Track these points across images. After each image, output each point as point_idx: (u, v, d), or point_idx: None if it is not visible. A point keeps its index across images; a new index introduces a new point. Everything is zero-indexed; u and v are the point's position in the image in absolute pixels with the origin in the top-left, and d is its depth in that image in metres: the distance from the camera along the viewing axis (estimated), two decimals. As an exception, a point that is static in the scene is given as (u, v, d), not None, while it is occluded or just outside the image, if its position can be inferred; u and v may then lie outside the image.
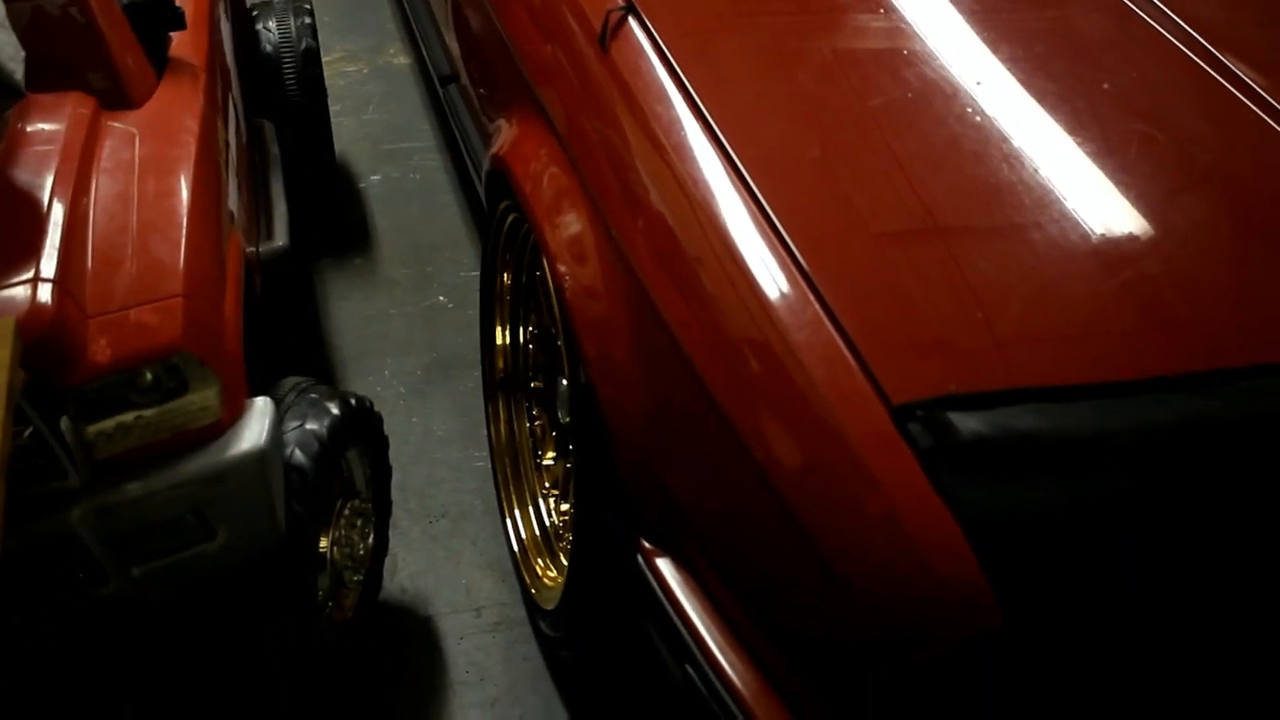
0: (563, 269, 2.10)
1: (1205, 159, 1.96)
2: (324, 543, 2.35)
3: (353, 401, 2.34)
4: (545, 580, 2.52)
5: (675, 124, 1.96)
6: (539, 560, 2.56)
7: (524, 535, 2.63)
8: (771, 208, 1.80)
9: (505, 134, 2.46)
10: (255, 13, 3.53)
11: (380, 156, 4.11)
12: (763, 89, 2.06)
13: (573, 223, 2.12)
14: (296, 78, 3.45)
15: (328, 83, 3.97)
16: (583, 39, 2.20)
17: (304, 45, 3.48)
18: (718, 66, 2.08)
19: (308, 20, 3.55)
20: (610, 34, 2.13)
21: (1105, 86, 2.06)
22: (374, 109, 4.36)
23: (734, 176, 1.85)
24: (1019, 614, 1.51)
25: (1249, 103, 2.04)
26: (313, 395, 2.30)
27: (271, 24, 3.49)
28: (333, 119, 3.81)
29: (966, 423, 1.55)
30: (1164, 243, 1.82)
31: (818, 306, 1.68)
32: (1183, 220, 1.87)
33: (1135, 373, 1.64)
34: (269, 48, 3.45)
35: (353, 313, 3.46)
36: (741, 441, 1.70)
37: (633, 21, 2.14)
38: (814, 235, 1.78)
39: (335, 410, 2.28)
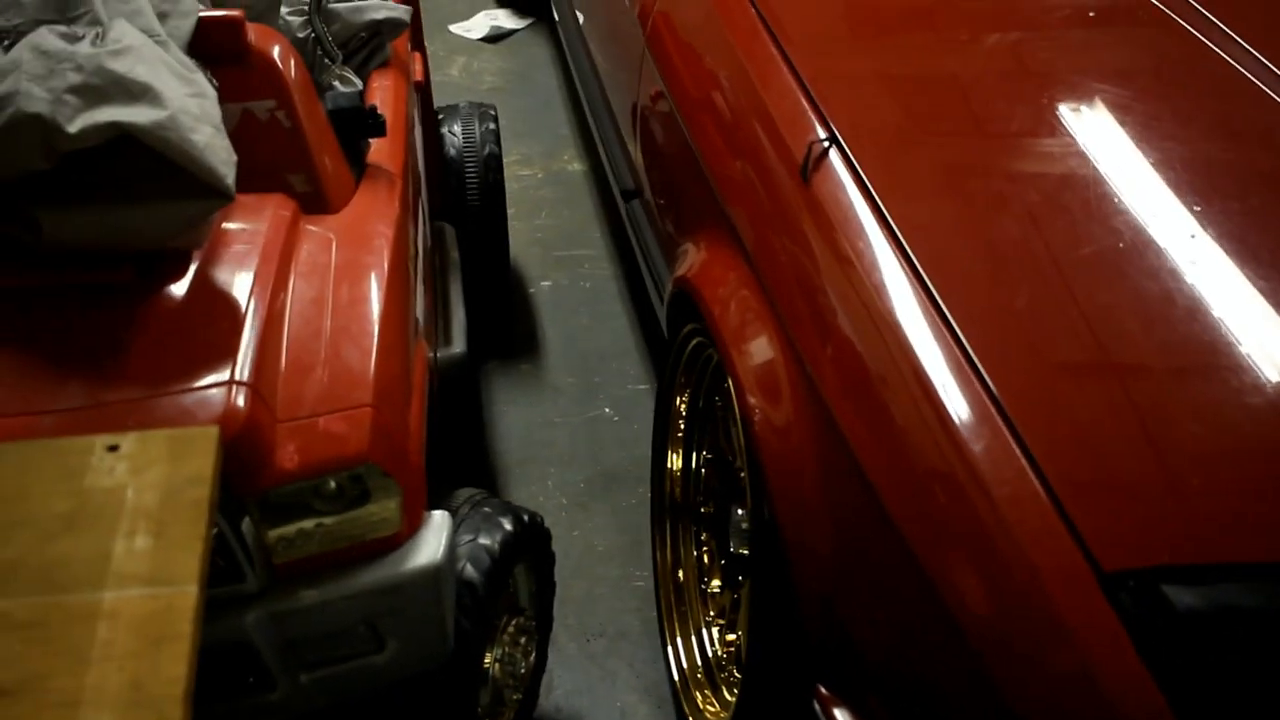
0: (752, 401, 2.06)
1: None
2: (488, 659, 2.32)
3: (525, 517, 2.32)
4: (706, 713, 2.46)
5: (877, 261, 1.92)
6: (700, 692, 2.51)
7: (685, 664, 2.57)
8: (976, 354, 1.74)
9: (693, 256, 2.44)
10: (441, 116, 3.57)
11: (551, 263, 4.12)
12: (968, 230, 2.01)
13: (762, 351, 2.09)
14: (478, 183, 3.48)
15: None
16: (782, 168, 2.17)
17: (487, 151, 3.51)
18: (922, 204, 2.04)
19: (492, 126, 3.59)
20: (812, 166, 2.11)
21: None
22: (546, 214, 4.38)
23: (937, 319, 1.80)
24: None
25: None
26: (486, 509, 2.29)
27: (457, 128, 3.53)
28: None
29: (1181, 597, 1.48)
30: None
31: (1017, 449, 1.63)
32: None
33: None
34: (453, 152, 3.48)
35: (517, 419, 3.45)
36: (930, 586, 1.65)
37: (835, 154, 2.12)
38: (1017, 381, 1.73)
39: (508, 526, 2.26)
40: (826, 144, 2.13)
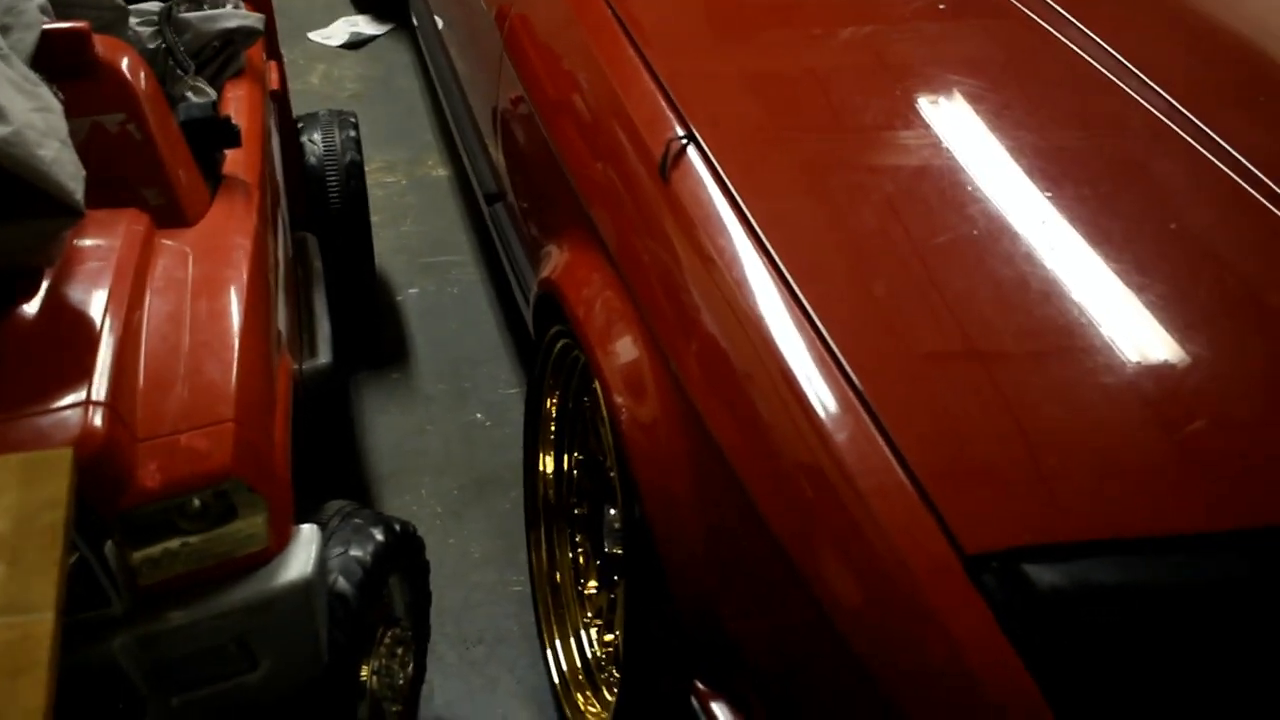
0: (618, 400, 2.06)
1: (1276, 305, 1.93)
2: (365, 672, 2.29)
3: (397, 527, 2.30)
4: (588, 714, 2.46)
5: (738, 257, 1.93)
6: (580, 694, 2.51)
7: (565, 666, 2.57)
8: (838, 346, 1.76)
9: (556, 258, 2.43)
10: (300, 125, 3.53)
11: (418, 269, 4.10)
12: (826, 223, 2.03)
13: (628, 351, 2.09)
14: (340, 191, 3.44)
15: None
16: (641, 167, 2.18)
17: (348, 159, 3.48)
18: (780, 199, 2.06)
19: (352, 133, 3.56)
20: (671, 164, 2.11)
21: (1172, 227, 2.03)
22: (412, 221, 4.36)
23: (799, 313, 1.82)
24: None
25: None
26: (356, 520, 2.26)
27: (316, 137, 3.50)
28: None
29: (1042, 575, 1.51)
30: (1231, 393, 1.78)
31: (881, 440, 1.65)
32: (1251, 372, 1.82)
33: (1207, 526, 1.59)
34: (314, 160, 3.45)
35: (389, 428, 3.42)
36: (801, 579, 1.66)
37: (693, 151, 2.12)
38: (880, 371, 1.75)
39: (379, 536, 2.24)
40: (684, 141, 2.14)
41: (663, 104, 2.25)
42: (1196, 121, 2.20)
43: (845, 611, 1.61)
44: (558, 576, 2.66)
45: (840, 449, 1.66)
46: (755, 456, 1.78)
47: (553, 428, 2.63)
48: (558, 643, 2.60)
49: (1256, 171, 2.09)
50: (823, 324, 1.80)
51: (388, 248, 4.15)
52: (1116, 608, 1.52)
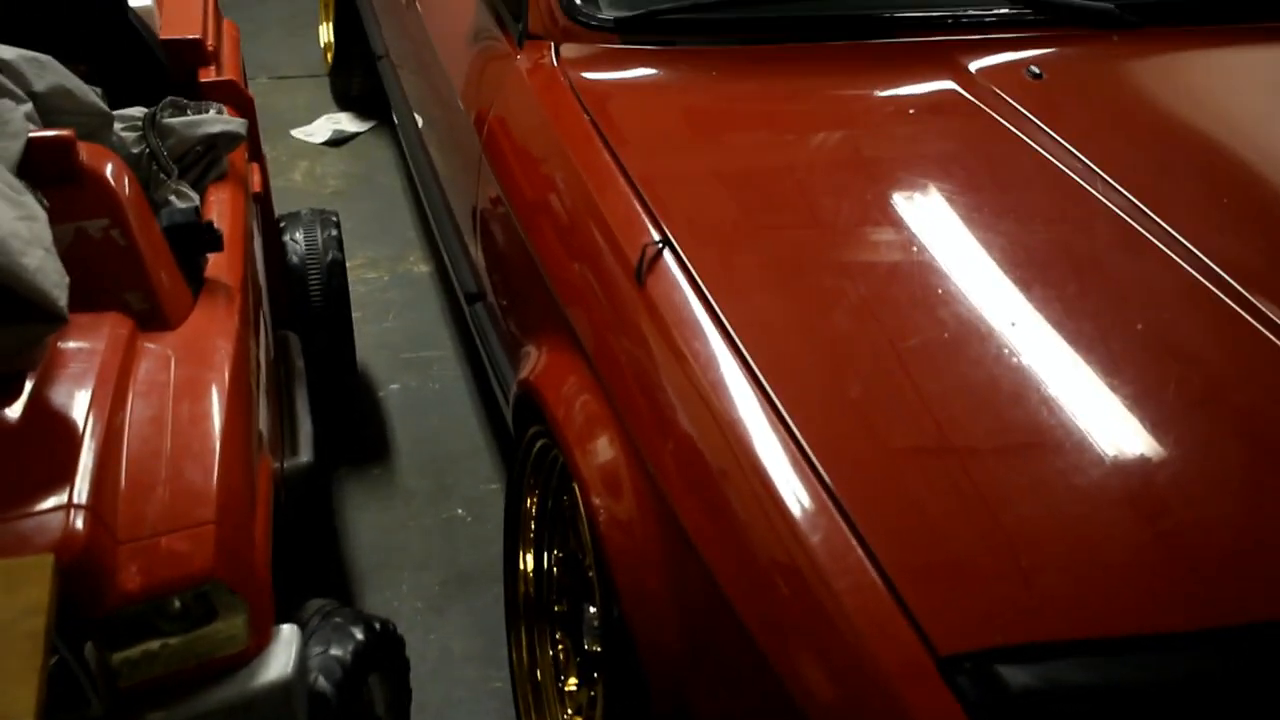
0: (596, 500, 2.08)
1: (1243, 403, 1.96)
2: (343, 771, 2.30)
3: (377, 626, 2.31)
4: (565, 813, 2.46)
5: (713, 359, 1.97)
6: (560, 791, 2.51)
7: (546, 763, 2.57)
8: (811, 446, 1.79)
9: (535, 359, 2.46)
10: (283, 224, 3.57)
11: (399, 365, 4.12)
12: (800, 324, 2.07)
13: (605, 451, 2.12)
14: (322, 289, 3.48)
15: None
16: (618, 270, 2.22)
17: (330, 257, 3.52)
18: (754, 299, 2.10)
19: (334, 232, 3.59)
20: (646, 267, 2.15)
21: (1139, 327, 2.07)
22: (394, 317, 4.39)
23: (772, 414, 1.85)
24: None
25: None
26: (336, 619, 2.27)
27: (299, 236, 3.53)
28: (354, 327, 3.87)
29: (1016, 676, 1.53)
30: (1201, 491, 1.82)
31: (853, 539, 1.68)
32: (1221, 468, 1.86)
33: (1179, 625, 1.62)
34: (295, 259, 3.48)
35: (369, 524, 3.43)
36: (776, 676, 1.68)
37: (668, 256, 2.16)
38: (853, 470, 1.78)
39: (359, 635, 2.24)
40: (660, 245, 2.18)
41: (637, 207, 2.29)
42: (1162, 223, 2.25)
43: (820, 709, 1.63)
44: (538, 674, 2.66)
45: (814, 548, 1.69)
46: (730, 555, 1.80)
47: (533, 526, 2.64)
48: (539, 740, 2.61)
49: (1221, 272, 2.14)
50: (796, 424, 1.83)
51: (370, 344, 4.18)
52: (1090, 708, 1.54)
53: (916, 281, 2.14)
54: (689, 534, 1.87)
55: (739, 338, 1.97)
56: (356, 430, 3.80)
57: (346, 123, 5.79)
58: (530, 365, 2.47)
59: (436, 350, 4.20)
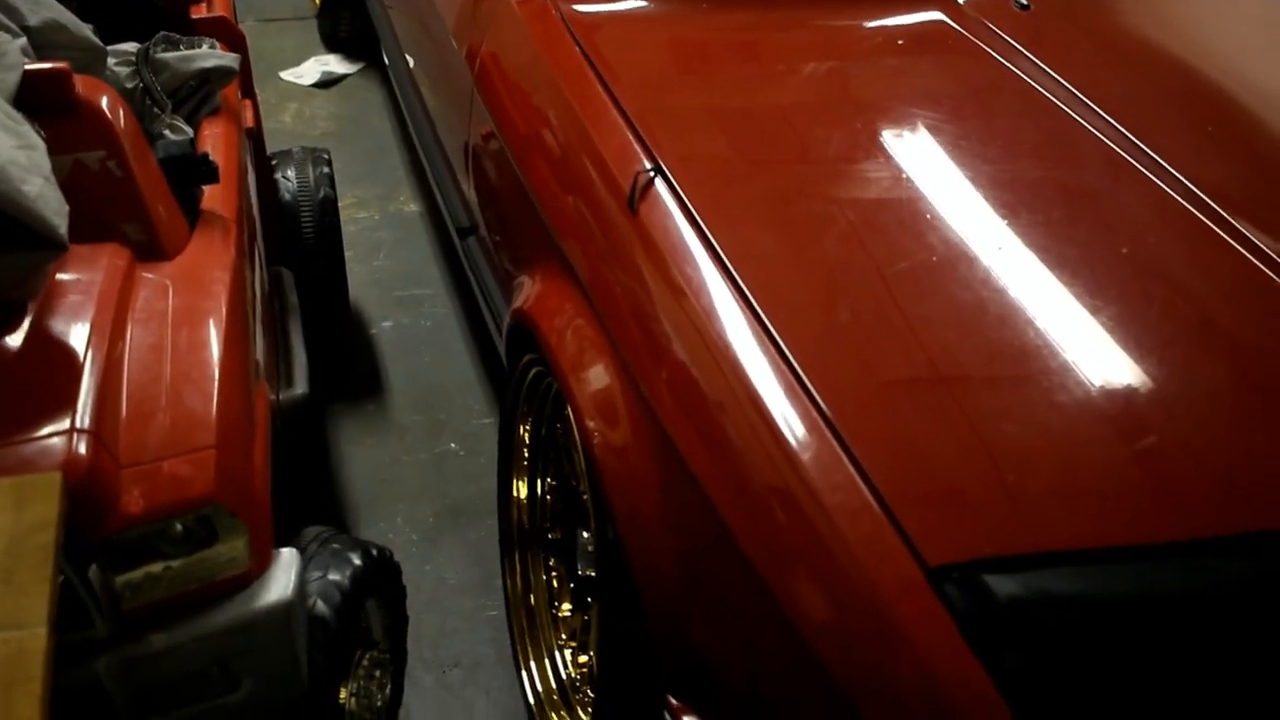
0: (590, 424, 2.11)
1: (1224, 325, 1.99)
2: (343, 694, 2.34)
3: (374, 552, 2.34)
4: (560, 735, 2.50)
5: (705, 285, 1.99)
6: (555, 714, 2.55)
7: (540, 688, 2.61)
8: (804, 370, 1.82)
9: (528, 289, 2.49)
10: (275, 162, 3.58)
11: (391, 302, 4.15)
12: (791, 251, 2.09)
13: (600, 378, 2.14)
14: (314, 227, 3.49)
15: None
16: (610, 200, 2.24)
17: (322, 194, 3.53)
18: (746, 229, 2.12)
19: (326, 170, 3.61)
20: (639, 196, 2.17)
21: (1124, 251, 2.10)
22: (385, 255, 4.41)
23: (766, 340, 1.88)
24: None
25: (1265, 269, 2.07)
26: (335, 545, 2.31)
27: (291, 173, 3.55)
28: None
29: (1003, 585, 1.56)
30: (1182, 406, 1.85)
31: (847, 461, 1.71)
32: (1200, 384, 1.89)
33: (1162, 535, 1.66)
34: (288, 197, 3.49)
35: (365, 459, 3.47)
36: (772, 597, 1.71)
37: (660, 183, 2.19)
38: (845, 394, 1.81)
39: (357, 561, 2.28)
40: (652, 173, 2.20)
41: (630, 138, 2.31)
42: (1148, 150, 2.27)
43: (813, 625, 1.66)
44: (532, 600, 2.70)
45: (807, 469, 1.72)
46: (725, 478, 1.83)
47: (526, 454, 2.67)
48: (533, 665, 2.64)
49: (1206, 198, 2.17)
50: (789, 349, 1.86)
51: (362, 282, 4.20)
52: (1073, 615, 1.57)
53: (905, 210, 2.17)
54: (684, 458, 1.90)
55: (731, 264, 2.00)
56: (350, 366, 3.84)
57: (335, 64, 5.79)
58: (524, 295, 2.49)
59: (428, 288, 4.23)
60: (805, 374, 1.82)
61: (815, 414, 1.77)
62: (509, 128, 2.71)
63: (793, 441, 1.76)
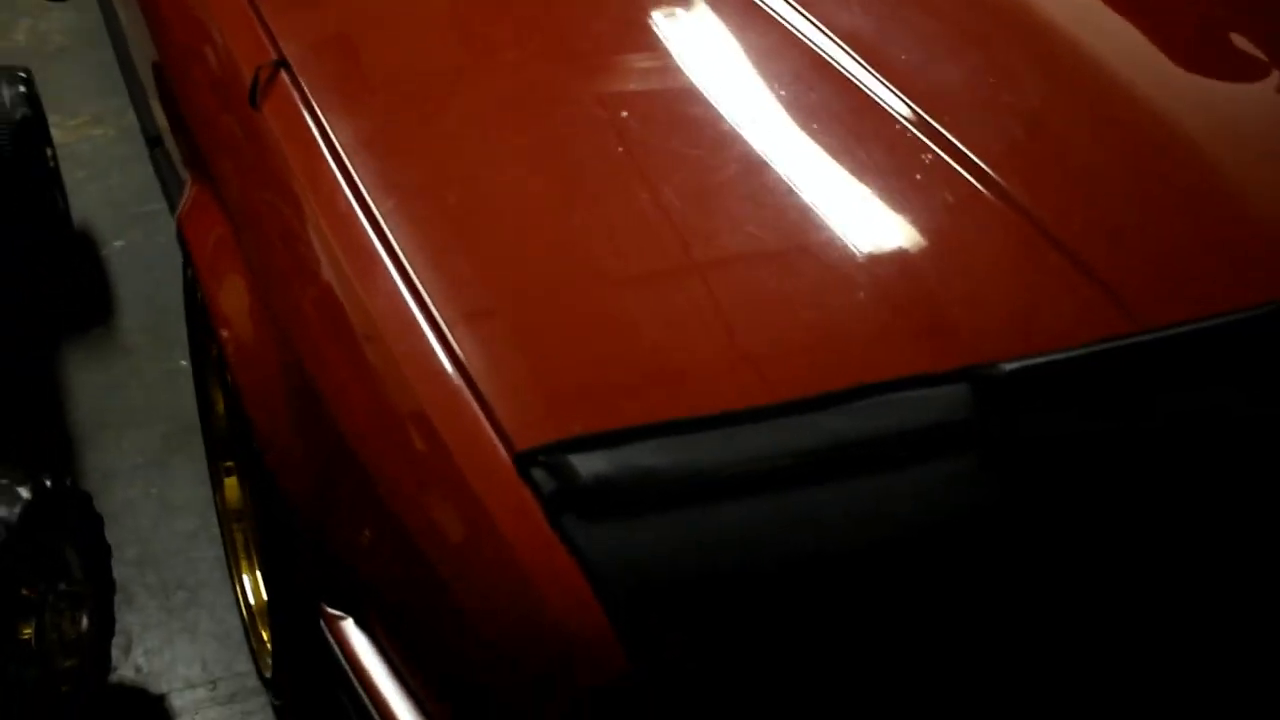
0: (225, 334, 2.05)
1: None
2: (26, 632, 2.27)
3: (48, 483, 2.27)
4: (267, 647, 2.46)
5: (324, 185, 1.91)
6: (265, 629, 2.51)
7: (252, 602, 2.57)
8: (408, 256, 1.77)
9: (184, 196, 2.40)
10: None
11: (125, 220, 4.01)
12: (416, 148, 2.02)
13: (234, 285, 2.08)
14: (12, 150, 3.36)
15: (72, 148, 4.05)
16: (234, 96, 2.15)
17: (19, 115, 3.40)
18: (371, 124, 2.03)
19: (23, 89, 3.47)
20: (261, 91, 2.09)
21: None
22: (120, 172, 4.26)
23: (376, 240, 1.81)
24: (652, 660, 1.49)
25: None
26: (2, 481, 2.23)
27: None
28: (77, 185, 3.84)
29: (587, 464, 1.53)
30: (806, 267, 1.82)
31: (441, 352, 1.66)
32: (825, 243, 1.86)
33: (766, 399, 1.62)
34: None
35: (89, 384, 3.37)
36: (383, 497, 1.68)
37: (285, 77, 2.10)
38: (448, 280, 1.76)
39: (26, 495, 2.21)
40: (274, 66, 2.11)
41: (257, 28, 2.21)
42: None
43: (415, 518, 1.63)
44: (239, 511, 2.65)
45: (401, 356, 1.68)
46: (337, 373, 1.78)
47: (216, 363, 2.60)
48: (245, 578, 2.60)
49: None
50: (396, 240, 1.79)
51: (95, 201, 4.06)
52: (656, 487, 1.53)
53: (543, 96, 2.10)
54: (300, 357, 1.84)
55: (350, 162, 1.92)
56: (77, 292, 3.71)
57: (70, -25, 5.56)
58: (181, 203, 2.40)
59: (163, 203, 4.09)
60: (410, 262, 1.76)
61: (421, 311, 1.71)
62: (160, 27, 2.60)
63: (398, 339, 1.70)
